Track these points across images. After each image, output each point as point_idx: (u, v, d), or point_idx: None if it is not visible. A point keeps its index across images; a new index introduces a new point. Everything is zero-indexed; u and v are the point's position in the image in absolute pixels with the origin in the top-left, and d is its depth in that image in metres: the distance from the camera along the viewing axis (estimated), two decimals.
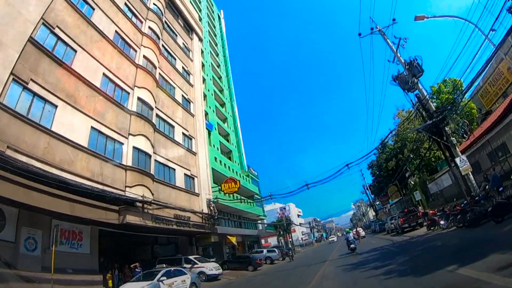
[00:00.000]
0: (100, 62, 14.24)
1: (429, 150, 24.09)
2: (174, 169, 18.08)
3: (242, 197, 33.39)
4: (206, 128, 29.65)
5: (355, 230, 32.44)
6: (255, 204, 36.43)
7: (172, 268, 11.96)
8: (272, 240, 53.87)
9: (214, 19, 52.26)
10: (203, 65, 36.51)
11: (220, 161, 31.30)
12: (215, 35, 50.63)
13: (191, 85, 24.84)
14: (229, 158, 37.27)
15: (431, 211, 20.19)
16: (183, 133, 20.62)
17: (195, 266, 16.06)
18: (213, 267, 16.54)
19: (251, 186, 37.35)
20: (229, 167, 33.21)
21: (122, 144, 14.29)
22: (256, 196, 40.27)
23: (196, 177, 20.50)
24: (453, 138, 14.26)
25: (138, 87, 16.80)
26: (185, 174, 19.02)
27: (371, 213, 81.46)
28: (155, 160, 16.59)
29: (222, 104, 41.02)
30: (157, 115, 18.34)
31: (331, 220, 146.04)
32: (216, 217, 19.89)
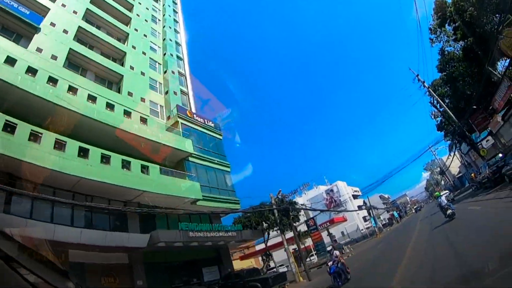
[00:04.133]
0: None
1: None
2: None
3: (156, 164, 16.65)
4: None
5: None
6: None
7: None
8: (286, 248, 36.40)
9: None
10: None
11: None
12: None
13: None
14: (118, 90, 19.93)
15: None
16: None
17: None
18: None
19: (168, 140, 20.15)
20: (91, 98, 15.71)
21: None
22: (189, 161, 23.52)
23: None
24: None
25: None
26: None
27: (456, 164, 53.34)
28: None
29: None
30: None
31: (404, 194, 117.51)
32: None
